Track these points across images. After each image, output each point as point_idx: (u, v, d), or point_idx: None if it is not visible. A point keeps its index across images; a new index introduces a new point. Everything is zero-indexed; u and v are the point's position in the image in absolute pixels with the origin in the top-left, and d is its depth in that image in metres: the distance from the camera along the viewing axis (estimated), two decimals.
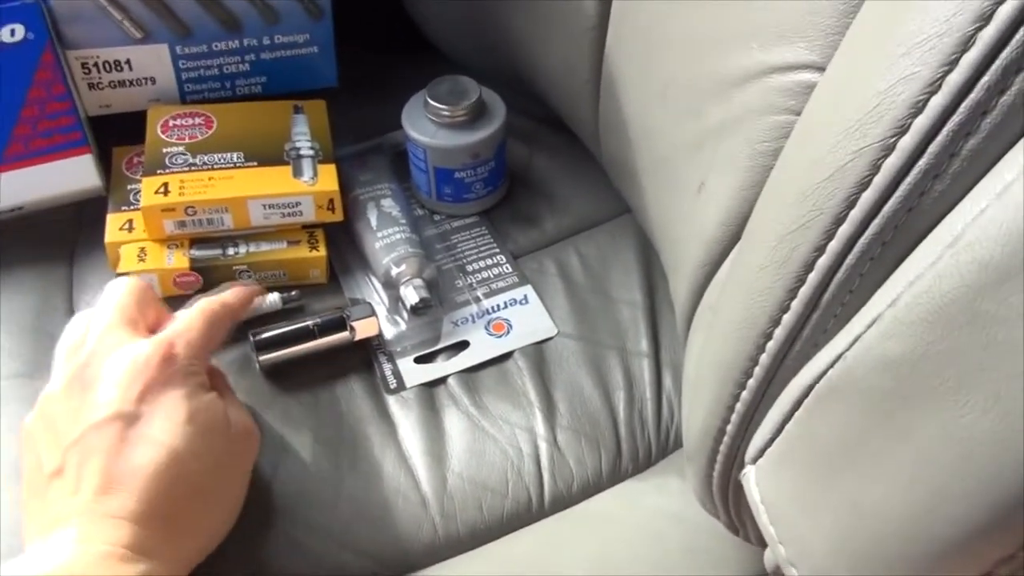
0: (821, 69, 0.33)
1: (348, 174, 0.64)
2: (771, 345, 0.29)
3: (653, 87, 0.47)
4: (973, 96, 0.22)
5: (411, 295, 0.57)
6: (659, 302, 0.60)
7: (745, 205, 0.37)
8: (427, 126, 0.62)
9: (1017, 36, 0.21)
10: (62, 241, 0.62)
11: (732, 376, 0.30)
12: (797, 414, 0.28)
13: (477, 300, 0.60)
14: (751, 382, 0.30)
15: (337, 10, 0.66)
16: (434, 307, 0.58)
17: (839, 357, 0.26)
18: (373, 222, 0.61)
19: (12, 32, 0.58)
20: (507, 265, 0.62)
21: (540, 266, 0.62)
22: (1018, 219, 0.21)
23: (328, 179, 0.60)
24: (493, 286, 0.61)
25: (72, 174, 0.60)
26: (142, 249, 0.58)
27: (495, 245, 0.63)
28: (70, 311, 0.59)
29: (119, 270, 0.57)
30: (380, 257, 0.59)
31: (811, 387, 0.27)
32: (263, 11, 0.65)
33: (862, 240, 0.25)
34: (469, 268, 0.62)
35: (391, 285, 0.59)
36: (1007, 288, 0.21)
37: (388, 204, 0.63)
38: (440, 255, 0.63)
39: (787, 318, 0.28)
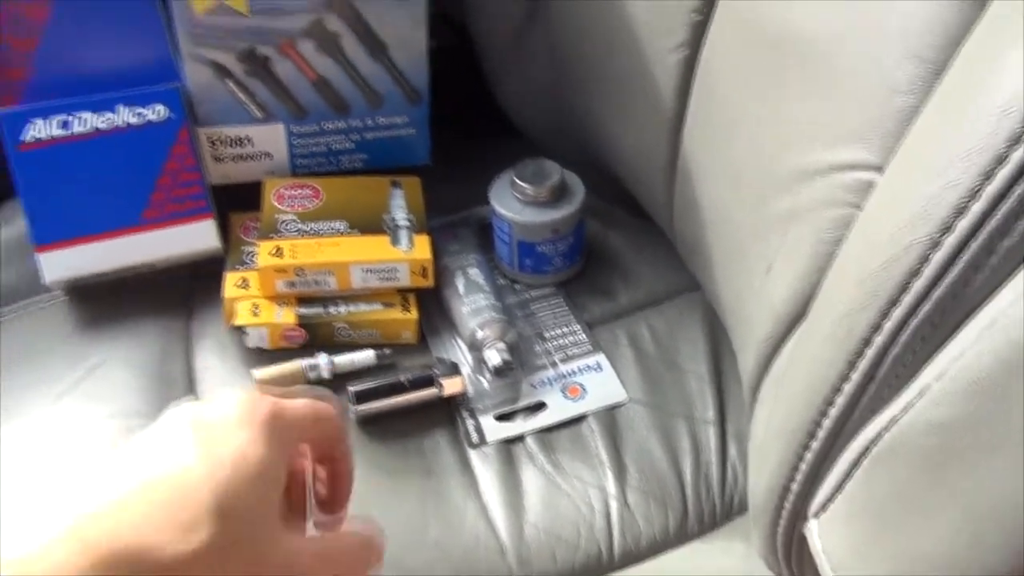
0: (878, 169, 0.37)
1: (438, 244, 0.70)
2: (833, 411, 0.32)
3: (727, 175, 0.52)
4: (1007, 205, 0.26)
5: (494, 357, 0.62)
6: (725, 374, 0.63)
7: (809, 286, 0.42)
8: (513, 203, 0.67)
9: None
10: (180, 295, 0.69)
11: (798, 439, 0.34)
12: (856, 473, 0.31)
13: (554, 365, 0.64)
14: (815, 444, 0.34)
15: (433, 95, 0.74)
16: (515, 369, 0.63)
17: (893, 422, 0.29)
18: (461, 289, 0.67)
19: (156, 112, 0.66)
20: (582, 334, 0.67)
21: (613, 336, 0.67)
22: None
23: (422, 248, 0.66)
24: (569, 352, 0.65)
25: (196, 236, 0.67)
26: (255, 305, 0.64)
27: (571, 315, 0.68)
28: (188, 358, 0.65)
29: (234, 323, 0.64)
30: (467, 321, 0.65)
31: (868, 448, 0.31)
32: (369, 96, 0.72)
33: (914, 321, 0.29)
34: (547, 335, 0.67)
35: (476, 347, 0.64)
36: None
37: (474, 273, 0.68)
38: (520, 322, 0.67)
39: (848, 387, 0.32)
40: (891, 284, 0.30)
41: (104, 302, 0.67)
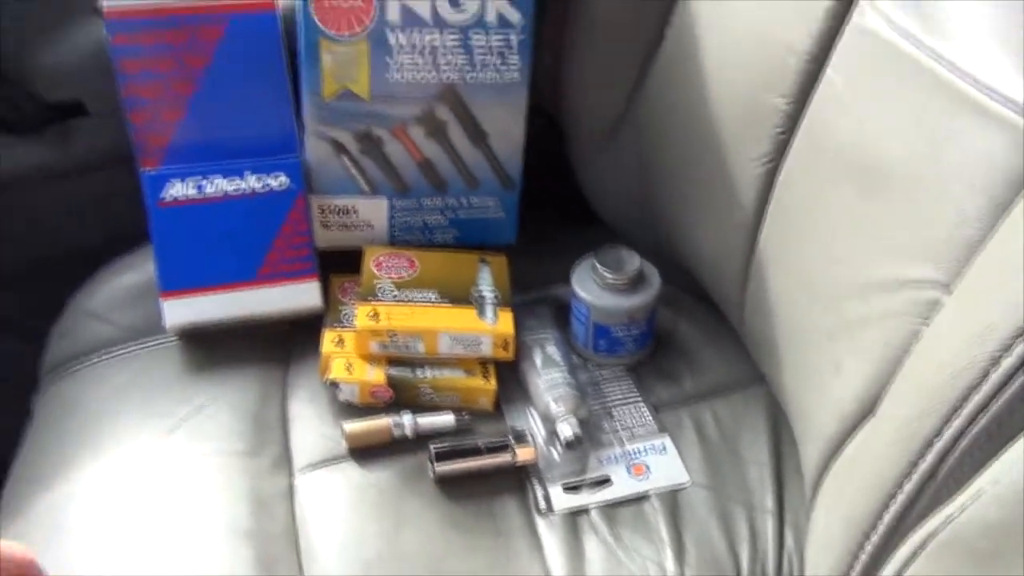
0: (946, 288, 0.41)
1: (518, 320, 0.75)
2: (894, 507, 0.36)
3: (800, 280, 0.56)
4: None
5: (566, 430, 0.66)
6: (785, 466, 0.66)
7: (875, 390, 0.45)
8: (592, 287, 0.72)
9: None
10: (281, 346, 0.75)
11: (860, 530, 0.37)
12: (913, 565, 0.34)
13: (621, 443, 0.68)
14: (875, 536, 0.37)
15: (523, 179, 0.79)
16: (584, 443, 0.67)
17: (949, 520, 0.32)
18: (538, 363, 0.71)
19: (279, 180, 0.74)
20: (649, 415, 0.70)
21: (678, 420, 0.70)
22: None
23: (506, 323, 0.71)
24: (635, 432, 0.69)
25: (302, 295, 0.74)
26: (350, 363, 0.70)
27: (639, 396, 0.72)
28: (283, 405, 0.70)
29: (329, 377, 0.69)
30: (542, 394, 0.69)
31: (925, 543, 0.34)
32: (467, 178, 0.79)
33: (973, 430, 0.32)
34: (615, 414, 0.70)
35: (549, 419, 0.68)
36: None
37: (551, 349, 0.73)
38: (591, 399, 0.71)
39: (909, 486, 0.35)
40: (953, 395, 0.33)
41: (212, 348, 0.74)
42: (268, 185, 0.74)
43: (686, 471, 0.66)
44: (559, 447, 0.66)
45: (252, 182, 0.73)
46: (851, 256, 0.49)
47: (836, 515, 0.41)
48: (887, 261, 0.46)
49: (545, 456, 0.67)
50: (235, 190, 0.73)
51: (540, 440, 0.68)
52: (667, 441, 0.68)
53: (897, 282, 0.45)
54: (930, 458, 0.34)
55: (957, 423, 0.33)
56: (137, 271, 0.79)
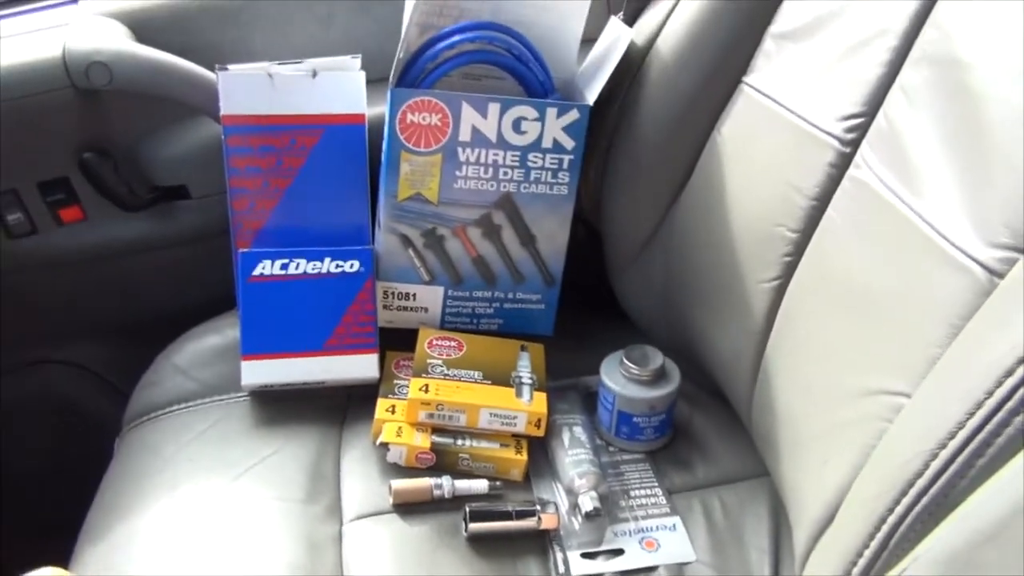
0: (907, 396, 0.50)
1: (551, 402, 0.84)
2: (855, 571, 0.44)
3: (799, 385, 0.65)
4: (980, 437, 0.39)
5: (587, 503, 0.74)
6: (782, 551, 0.73)
7: (851, 478, 0.54)
8: (619, 379, 0.82)
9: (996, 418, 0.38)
10: (336, 411, 0.85)
11: (847, 558, 0.45)
12: None
13: (635, 519, 0.76)
14: None
15: (563, 279, 0.90)
16: (602, 516, 0.75)
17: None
18: (566, 442, 0.80)
19: (352, 266, 0.85)
20: (662, 497, 0.78)
21: (689, 504, 0.78)
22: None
23: (540, 404, 0.81)
24: (649, 511, 0.77)
25: (362, 366, 0.84)
26: (400, 428, 0.79)
27: (655, 480, 0.80)
28: (337, 461, 0.80)
29: (381, 439, 0.78)
30: (567, 469, 0.78)
31: None
32: (514, 275, 0.89)
33: (917, 508, 0.41)
34: (632, 493, 0.79)
35: (572, 492, 0.76)
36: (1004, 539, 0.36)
37: (578, 431, 0.82)
38: (611, 479, 0.80)
39: (867, 553, 0.43)
40: (903, 479, 0.42)
41: (279, 407, 0.84)
42: (342, 269, 0.85)
43: (693, 550, 0.73)
44: (580, 518, 0.75)
45: (329, 265, 0.85)
46: (840, 367, 0.59)
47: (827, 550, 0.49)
48: (868, 373, 0.55)
49: (566, 525, 0.75)
50: (314, 271, 0.84)
51: (563, 510, 0.76)
52: (677, 521, 0.76)
53: (875, 390, 0.54)
54: (884, 529, 0.42)
55: (905, 501, 0.42)
56: (220, 334, 0.90)
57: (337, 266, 0.85)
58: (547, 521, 0.73)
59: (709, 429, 0.85)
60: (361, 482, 0.77)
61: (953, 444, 0.40)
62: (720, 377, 0.83)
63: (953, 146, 0.52)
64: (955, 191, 0.53)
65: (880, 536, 0.43)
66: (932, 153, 0.54)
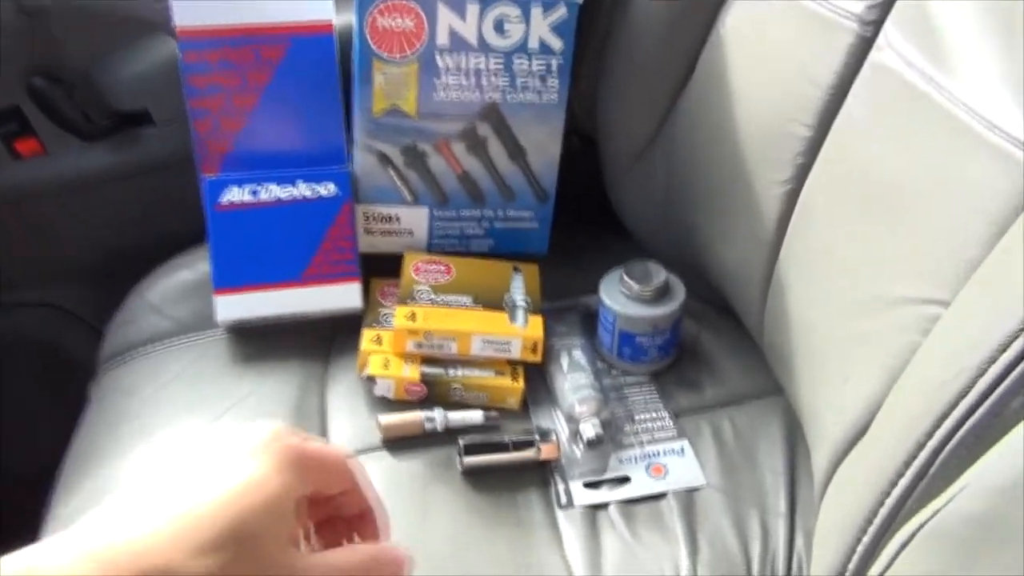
0: (945, 304, 0.45)
1: (548, 325, 0.79)
2: (889, 500, 0.39)
3: (816, 296, 0.60)
4: None
5: (588, 430, 0.70)
6: (799, 473, 0.69)
7: (877, 398, 0.48)
8: (619, 297, 0.76)
9: None
10: (320, 344, 0.80)
11: (857, 525, 0.41)
12: (903, 554, 0.38)
13: (641, 444, 0.72)
14: (871, 529, 0.40)
15: (557, 194, 0.84)
16: (605, 443, 0.70)
17: (936, 512, 0.36)
18: (564, 367, 0.75)
19: (328, 189, 0.79)
20: (669, 420, 0.74)
21: (697, 427, 0.74)
22: None
23: (535, 328, 0.75)
24: (655, 435, 0.73)
25: (344, 296, 0.79)
26: (387, 360, 0.74)
27: (660, 402, 0.76)
28: (322, 398, 0.75)
29: (367, 372, 0.74)
30: (567, 395, 0.73)
31: (915, 534, 0.37)
32: (504, 191, 0.83)
33: (960, 432, 0.36)
34: (637, 418, 0.74)
35: (573, 420, 0.72)
36: None
37: (578, 355, 0.77)
38: (614, 403, 0.75)
39: (903, 481, 0.38)
40: (944, 401, 0.37)
41: (258, 342, 0.79)
42: (317, 193, 0.79)
43: (703, 474, 0.69)
44: (581, 446, 0.70)
45: (303, 189, 0.79)
46: (862, 275, 0.53)
47: (836, 515, 0.44)
48: (894, 280, 0.49)
49: (567, 454, 0.70)
50: (287, 196, 0.78)
51: (563, 439, 0.71)
52: (685, 445, 0.72)
53: (903, 299, 0.48)
54: (922, 456, 0.37)
55: (947, 424, 0.36)
56: (192, 269, 0.84)
57: (311, 190, 0.79)
58: (547, 451, 0.69)
59: (717, 347, 0.80)
60: (348, 418, 0.73)
61: (1006, 358, 0.35)
62: (728, 290, 0.78)
63: (992, 13, 0.45)
64: (994, 67, 0.46)
65: (918, 464, 0.38)
66: (966, 24, 0.47)
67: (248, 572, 0.34)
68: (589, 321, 0.81)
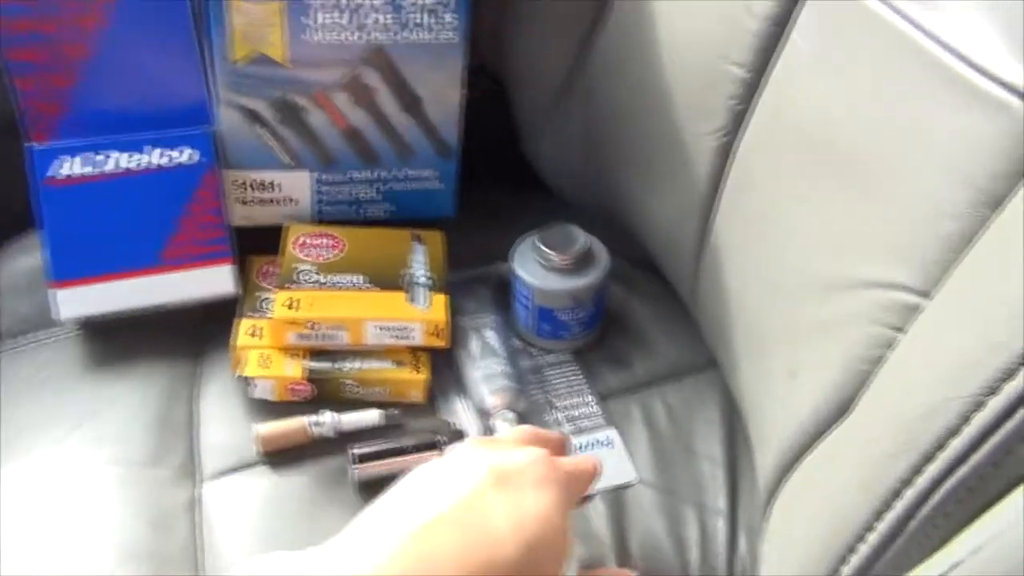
0: (922, 294, 0.36)
1: (456, 301, 0.69)
2: (855, 559, 0.31)
3: (754, 269, 0.50)
4: None
5: (503, 427, 0.61)
6: (739, 460, 0.61)
7: (835, 402, 0.40)
8: (535, 268, 0.66)
9: None
10: (190, 338, 0.68)
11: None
12: None
13: None
14: None
15: (464, 145, 0.72)
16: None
17: None
18: (475, 351, 0.65)
19: (185, 154, 0.66)
20: (595, 405, 0.65)
21: (626, 410, 0.65)
22: None
23: (439, 309, 0.65)
24: (580, 424, 0.64)
25: (214, 280, 0.67)
26: (266, 356, 0.63)
27: (585, 384, 0.67)
28: (191, 404, 0.64)
29: (243, 373, 0.63)
30: (477, 386, 0.63)
31: None
32: (399, 148, 0.71)
33: (949, 482, 0.27)
34: (558, 404, 0.65)
35: (484, 414, 0.62)
36: None
37: (490, 335, 0.67)
38: (532, 387, 0.66)
39: (873, 538, 0.30)
40: (927, 438, 0.28)
41: (115, 339, 0.67)
42: (173, 160, 0.66)
43: (633, 468, 0.61)
44: None
45: (155, 157, 0.66)
46: (811, 250, 0.44)
47: (789, 559, 0.36)
48: (851, 258, 0.40)
49: None
50: (135, 166, 0.65)
51: (474, 435, 0.62)
52: (614, 435, 0.63)
53: (863, 283, 0.39)
54: (899, 508, 0.29)
55: (931, 470, 0.28)
56: (32, 255, 0.71)
57: (166, 156, 0.66)
58: None
59: (648, 316, 0.72)
60: (222, 429, 0.62)
61: (1013, 386, 0.26)
62: (658, 254, 0.68)
63: None
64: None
65: (892, 518, 0.29)
66: None
67: None
68: (504, 292, 0.71)
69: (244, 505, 0.58)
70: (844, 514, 0.31)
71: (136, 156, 0.65)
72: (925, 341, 0.31)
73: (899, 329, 0.36)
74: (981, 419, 0.26)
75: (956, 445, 0.27)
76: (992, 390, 0.26)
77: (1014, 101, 0.32)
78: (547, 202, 0.80)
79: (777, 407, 0.46)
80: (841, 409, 0.38)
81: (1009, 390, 0.26)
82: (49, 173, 0.64)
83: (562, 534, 0.39)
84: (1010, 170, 0.32)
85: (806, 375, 0.42)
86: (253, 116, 0.67)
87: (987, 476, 0.27)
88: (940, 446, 0.27)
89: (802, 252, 0.44)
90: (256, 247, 0.71)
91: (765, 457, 0.48)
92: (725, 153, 0.53)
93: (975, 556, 0.26)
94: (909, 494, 0.29)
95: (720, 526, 0.58)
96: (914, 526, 0.29)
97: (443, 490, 0.39)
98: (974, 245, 0.32)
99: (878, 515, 0.30)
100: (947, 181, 0.35)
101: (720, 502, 0.59)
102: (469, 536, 0.37)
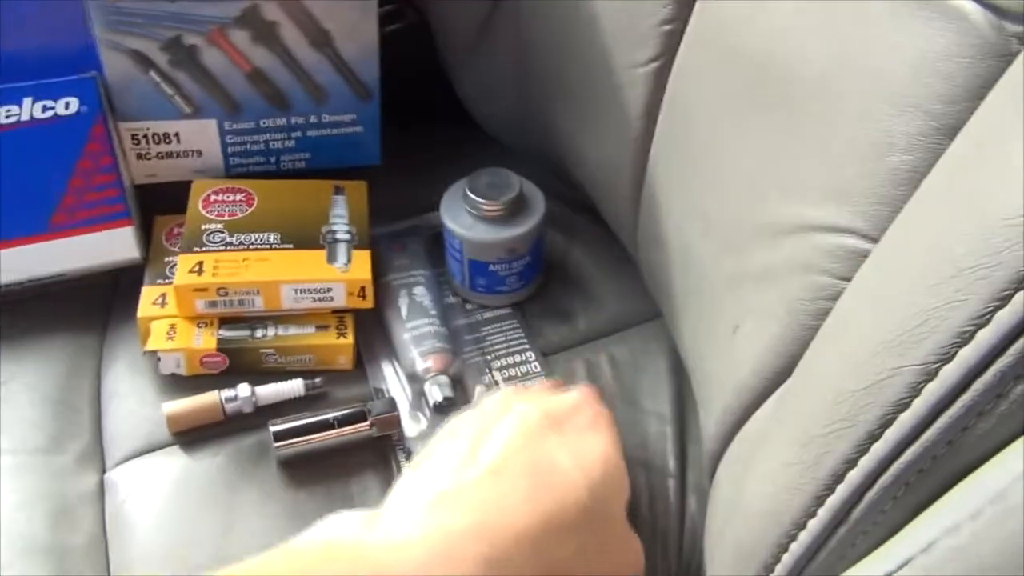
0: (868, 238, 0.31)
1: (383, 256, 0.64)
2: (795, 547, 0.27)
3: (693, 213, 0.46)
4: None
5: (435, 392, 0.56)
6: (688, 416, 0.58)
7: (779, 359, 0.36)
8: (465, 218, 0.61)
9: None
10: (96, 309, 0.63)
11: (751, 567, 0.28)
12: None
13: None
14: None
15: (387, 83, 0.66)
16: (457, 405, 0.57)
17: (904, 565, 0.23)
18: (403, 311, 0.61)
19: (67, 105, 0.59)
20: (535, 363, 0.61)
21: (569, 367, 0.61)
22: None
23: (361, 267, 0.60)
24: (520, 385, 0.60)
25: (113, 245, 0.61)
26: (172, 327, 0.58)
27: (525, 341, 0.62)
28: (97, 382, 0.59)
29: (147, 348, 0.57)
30: (407, 349, 0.59)
31: None
32: (312, 91, 0.65)
33: (897, 463, 0.23)
34: (496, 364, 0.61)
35: (416, 379, 0.58)
36: None
37: (420, 293, 0.62)
38: (468, 347, 0.62)
39: (813, 524, 0.26)
40: (872, 413, 0.24)
41: (11, 314, 0.61)
42: (54, 112, 0.59)
43: None
44: (428, 412, 0.57)
45: (33, 109, 0.59)
46: (749, 189, 0.39)
47: (728, 538, 0.32)
48: (792, 198, 0.36)
49: (412, 422, 0.57)
50: (11, 121, 0.58)
51: (407, 402, 0.58)
52: None
53: (804, 225, 0.35)
54: (841, 491, 0.25)
55: (877, 448, 0.24)
56: None
57: (45, 109, 0.59)
58: (384, 424, 0.55)
59: (590, 264, 0.67)
60: (129, 409, 0.57)
61: (967, 353, 0.22)
62: (596, 197, 0.63)
63: None
64: None
65: (833, 502, 0.25)
66: None
67: (606, 547, 0.37)
68: (436, 244, 0.66)
69: (153, 492, 0.53)
70: (782, 499, 0.27)
71: (11, 109, 0.58)
72: (869, 295, 0.27)
73: (846, 279, 0.31)
74: (933, 390, 0.22)
75: (904, 419, 0.23)
76: (945, 356, 0.22)
77: (969, 6, 0.27)
78: (481, 144, 0.74)
79: (719, 366, 0.42)
80: (783, 372, 0.34)
81: (965, 357, 0.22)
82: None
83: (623, 471, 0.40)
84: (963, 96, 0.27)
85: (748, 330, 0.38)
86: (142, 59, 0.60)
87: (941, 457, 0.23)
88: (887, 423, 0.23)
89: (740, 191, 0.40)
90: (167, 207, 0.65)
91: (708, 421, 0.44)
92: (658, 82, 0.48)
93: (927, 553, 0.22)
94: (853, 475, 0.25)
95: (669, 488, 0.54)
96: (858, 514, 0.25)
97: (498, 439, 0.38)
98: (926, 179, 0.28)
99: (819, 501, 0.26)
100: (895, 108, 0.30)
101: (669, 463, 0.55)
102: (538, 481, 0.36)
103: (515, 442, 0.38)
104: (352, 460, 0.55)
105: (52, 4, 0.59)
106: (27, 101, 0.59)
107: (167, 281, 0.60)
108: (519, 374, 0.60)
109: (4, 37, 0.59)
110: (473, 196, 0.60)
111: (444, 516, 0.34)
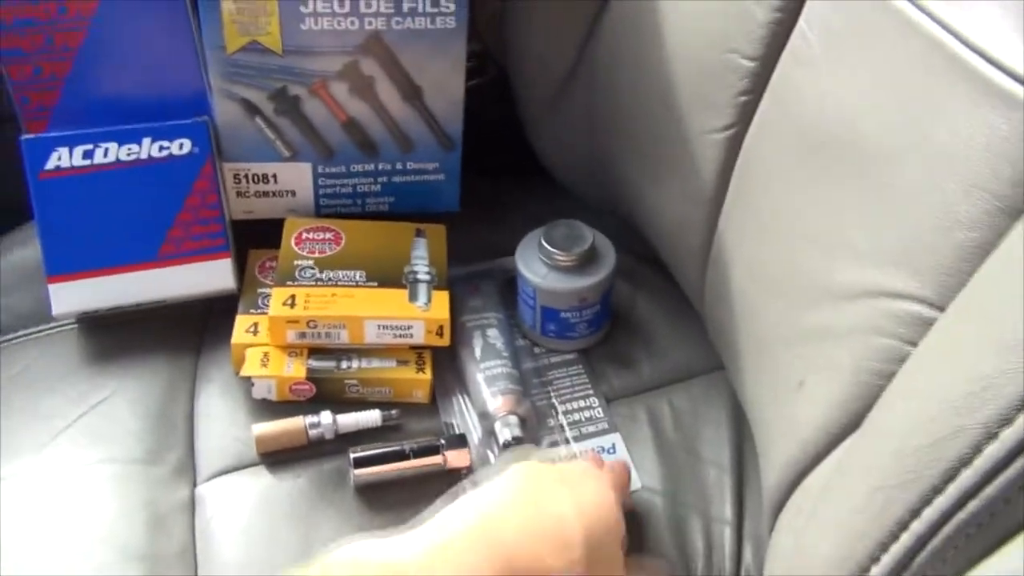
0: (932, 305, 0.34)
1: (459, 298, 0.67)
2: None
3: (761, 272, 0.48)
4: None
5: (505, 432, 0.59)
6: (747, 466, 0.59)
7: (845, 415, 0.38)
8: (539, 267, 0.64)
9: None
10: (192, 333, 0.67)
11: None
12: None
13: (567, 442, 0.61)
14: None
15: (468, 133, 0.71)
16: (525, 445, 0.60)
17: None
18: (477, 352, 0.64)
19: (181, 146, 0.65)
20: (599, 409, 0.63)
21: (632, 413, 0.63)
22: None
23: (440, 307, 0.63)
24: (583, 430, 0.62)
25: (212, 275, 0.66)
26: (265, 354, 0.62)
27: (589, 386, 0.65)
28: (191, 401, 0.63)
29: (242, 373, 0.62)
30: (480, 388, 0.62)
31: None
32: (400, 140, 0.70)
33: (959, 516, 0.26)
34: (562, 408, 0.63)
35: (487, 417, 0.61)
36: None
37: (493, 335, 0.65)
38: (535, 389, 0.64)
39: (876, 570, 0.28)
40: (937, 468, 0.26)
41: (114, 334, 0.66)
42: (169, 151, 0.65)
43: (637, 475, 0.59)
44: (496, 449, 0.60)
45: (151, 148, 0.64)
46: (819, 252, 0.42)
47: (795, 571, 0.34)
48: (860, 264, 0.38)
49: (481, 458, 0.60)
50: (130, 158, 0.64)
51: (476, 439, 0.61)
52: (618, 440, 0.61)
53: (871, 291, 0.37)
54: (905, 540, 0.27)
55: (940, 502, 0.26)
56: (29, 247, 0.70)
57: (162, 148, 0.65)
58: (455, 459, 0.58)
59: (655, 314, 0.70)
60: (220, 428, 0.61)
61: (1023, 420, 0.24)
62: (665, 251, 0.66)
63: None
64: None
65: (897, 550, 0.28)
66: None
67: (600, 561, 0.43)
68: (509, 288, 0.69)
69: (240, 507, 0.57)
70: (848, 545, 0.30)
71: (131, 148, 0.64)
72: (937, 359, 0.29)
73: (912, 343, 0.34)
74: (993, 452, 0.25)
75: (967, 476, 0.25)
76: (1006, 420, 0.24)
77: None
78: (553, 193, 0.78)
79: (782, 419, 0.44)
80: (848, 427, 0.36)
81: (1022, 421, 0.24)
82: (43, 166, 0.63)
83: (617, 517, 0.46)
84: None
85: (813, 386, 0.40)
86: (250, 107, 0.66)
87: (999, 512, 0.25)
88: (950, 477, 0.26)
89: (810, 254, 0.42)
90: (259, 240, 0.69)
91: (769, 470, 0.46)
92: (732, 149, 0.51)
93: None
94: (916, 527, 0.27)
95: (726, 535, 0.56)
96: (921, 560, 0.27)
97: (510, 485, 0.45)
98: (991, 257, 0.30)
99: (884, 547, 0.28)
100: (962, 187, 0.33)
101: (726, 511, 0.57)
102: (535, 514, 0.43)
103: (524, 489, 0.45)
104: (423, 489, 0.58)
105: (170, 55, 0.65)
106: (146, 141, 0.64)
107: (259, 311, 0.65)
108: (582, 419, 0.63)
109: (128, 83, 0.65)
110: (548, 247, 0.64)
111: (443, 538, 0.42)
